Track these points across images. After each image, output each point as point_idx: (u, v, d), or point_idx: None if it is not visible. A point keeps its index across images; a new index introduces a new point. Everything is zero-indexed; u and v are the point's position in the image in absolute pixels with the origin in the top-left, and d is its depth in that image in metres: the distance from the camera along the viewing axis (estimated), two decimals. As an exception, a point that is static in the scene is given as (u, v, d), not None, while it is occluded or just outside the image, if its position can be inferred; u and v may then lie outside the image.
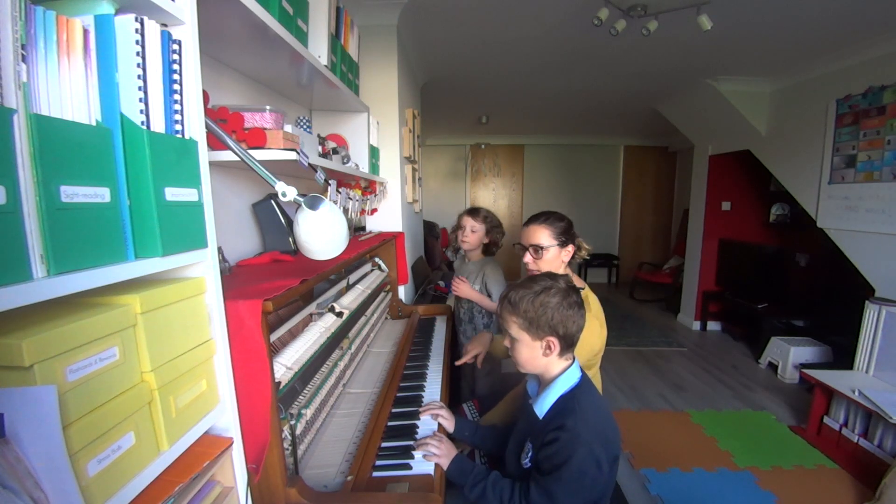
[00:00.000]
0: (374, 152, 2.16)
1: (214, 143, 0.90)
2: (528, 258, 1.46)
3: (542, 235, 1.43)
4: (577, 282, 1.45)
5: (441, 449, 1.11)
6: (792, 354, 3.27)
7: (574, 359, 1.06)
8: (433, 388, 1.51)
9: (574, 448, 0.92)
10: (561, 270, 1.45)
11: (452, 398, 1.59)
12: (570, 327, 1.00)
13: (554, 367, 1.03)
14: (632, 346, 4.09)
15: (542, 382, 1.08)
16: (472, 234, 2.04)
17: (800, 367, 3.07)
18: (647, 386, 3.26)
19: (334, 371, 1.32)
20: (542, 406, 1.02)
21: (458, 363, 1.61)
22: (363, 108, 1.96)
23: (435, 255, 4.29)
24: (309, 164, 1.11)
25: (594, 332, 1.34)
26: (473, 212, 2.06)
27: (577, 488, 0.92)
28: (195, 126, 0.69)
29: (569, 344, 1.02)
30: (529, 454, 1.02)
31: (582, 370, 1.06)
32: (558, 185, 6.80)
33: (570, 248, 1.46)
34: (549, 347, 1.00)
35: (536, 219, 1.46)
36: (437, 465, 1.08)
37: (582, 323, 1.03)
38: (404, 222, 2.61)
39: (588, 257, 1.51)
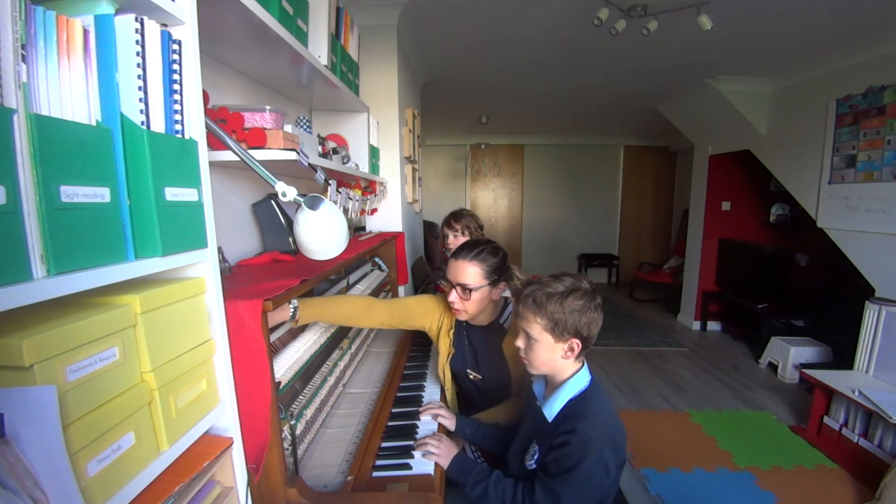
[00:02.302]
0: (374, 152, 2.16)
1: (214, 143, 0.90)
2: (453, 297, 1.27)
3: (471, 274, 1.25)
4: (501, 300, 1.37)
5: (441, 448, 1.11)
6: (792, 354, 3.27)
7: (584, 362, 1.05)
8: (433, 388, 1.51)
9: (584, 452, 0.91)
10: (489, 309, 1.34)
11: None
12: (593, 330, 0.99)
13: (567, 370, 1.02)
14: (632, 346, 4.09)
15: (551, 384, 1.06)
16: (455, 241, 2.05)
17: (800, 367, 3.07)
18: (647, 386, 3.26)
19: (334, 371, 1.32)
20: (552, 409, 1.01)
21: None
22: (363, 108, 1.96)
23: (435, 255, 4.29)
24: (309, 164, 1.11)
25: None
26: (449, 221, 2.09)
27: (583, 491, 0.92)
28: (195, 126, 0.69)
29: (587, 347, 1.01)
30: (535, 456, 1.01)
31: (591, 373, 1.05)
32: (558, 185, 6.80)
33: (502, 286, 1.31)
34: (570, 350, 0.99)
35: (467, 252, 1.28)
36: (437, 464, 1.08)
37: (600, 325, 1.01)
38: (404, 222, 2.61)
39: (519, 284, 1.31)
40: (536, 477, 0.98)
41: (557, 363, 1.01)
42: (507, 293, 1.41)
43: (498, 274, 1.29)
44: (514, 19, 2.51)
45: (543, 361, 1.02)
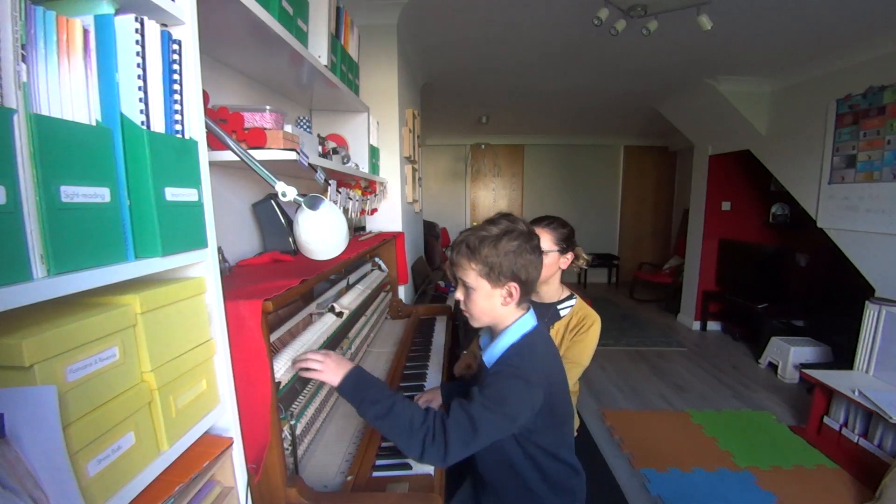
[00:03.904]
0: (374, 152, 2.16)
1: (214, 143, 0.90)
2: None
3: (544, 239, 1.33)
4: (566, 291, 1.46)
5: (326, 364, 0.92)
6: (792, 354, 3.27)
7: (529, 308, 1.00)
8: (433, 387, 1.51)
9: (513, 380, 0.87)
10: (556, 277, 1.43)
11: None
12: (531, 273, 0.94)
13: (508, 317, 0.97)
14: (632, 346, 4.09)
15: (494, 334, 1.00)
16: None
17: (800, 367, 3.08)
18: (647, 386, 3.26)
19: (334, 371, 1.32)
20: (492, 355, 0.97)
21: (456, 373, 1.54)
22: (363, 108, 1.96)
23: (435, 254, 4.29)
24: (309, 164, 1.12)
25: (597, 333, 1.36)
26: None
27: (499, 410, 0.85)
28: (195, 126, 0.69)
29: (527, 291, 0.95)
30: None
31: (537, 320, 0.99)
32: (558, 185, 6.80)
33: (570, 256, 1.42)
34: (509, 295, 0.94)
35: (539, 221, 1.40)
36: (437, 467, 1.06)
37: (541, 269, 0.97)
38: (404, 222, 2.61)
39: (586, 267, 1.48)
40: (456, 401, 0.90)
41: (497, 311, 0.96)
42: (575, 298, 1.44)
43: (567, 243, 1.40)
44: (514, 19, 2.51)
45: (482, 310, 0.96)
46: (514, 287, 0.93)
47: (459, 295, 0.99)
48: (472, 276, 0.94)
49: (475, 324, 1.00)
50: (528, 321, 0.98)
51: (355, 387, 0.90)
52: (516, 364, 0.90)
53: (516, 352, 0.94)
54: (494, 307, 0.95)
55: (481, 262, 0.92)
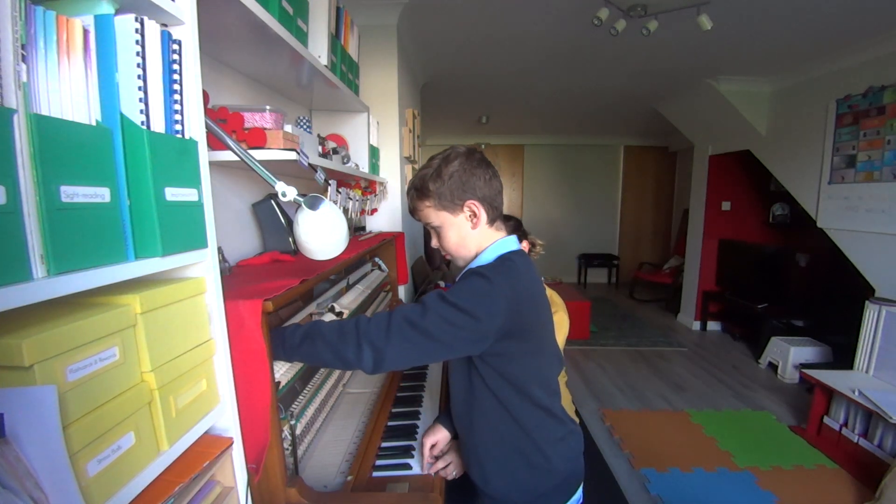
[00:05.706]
0: (374, 152, 2.16)
1: (214, 143, 0.90)
2: None
3: None
4: None
5: None
6: (792, 354, 3.27)
7: (512, 234, 0.97)
8: (433, 387, 1.52)
9: (473, 275, 0.84)
10: None
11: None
12: (484, 187, 0.90)
13: (486, 239, 0.93)
14: (632, 346, 4.09)
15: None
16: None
17: (800, 367, 3.08)
18: (647, 386, 3.26)
19: (334, 371, 1.32)
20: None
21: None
22: (363, 108, 1.96)
23: (435, 255, 4.29)
24: (309, 164, 1.12)
25: (565, 320, 1.47)
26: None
27: (453, 299, 0.81)
28: (195, 126, 0.69)
29: (493, 207, 0.92)
30: None
31: (520, 245, 0.96)
32: (558, 185, 6.80)
33: (525, 245, 1.48)
34: (473, 214, 0.91)
35: None
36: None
37: (497, 183, 0.93)
38: (404, 222, 2.61)
39: (543, 252, 1.55)
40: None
41: (471, 238, 0.93)
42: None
43: (518, 234, 1.44)
44: (514, 19, 2.51)
45: (458, 244, 0.94)
46: (473, 205, 0.90)
47: (434, 242, 0.97)
48: (431, 214, 0.93)
49: (460, 262, 0.97)
50: (509, 243, 0.94)
51: (279, 336, 0.89)
52: (484, 268, 0.87)
53: (487, 264, 0.90)
54: (466, 235, 0.93)
55: (433, 197, 0.91)
